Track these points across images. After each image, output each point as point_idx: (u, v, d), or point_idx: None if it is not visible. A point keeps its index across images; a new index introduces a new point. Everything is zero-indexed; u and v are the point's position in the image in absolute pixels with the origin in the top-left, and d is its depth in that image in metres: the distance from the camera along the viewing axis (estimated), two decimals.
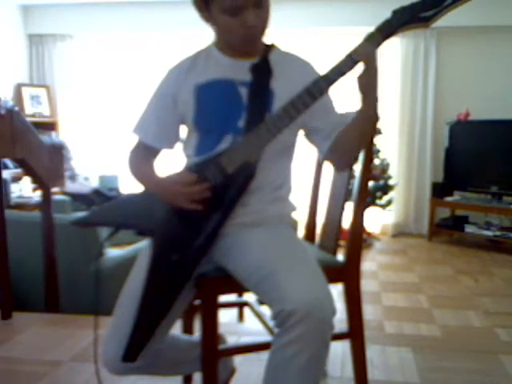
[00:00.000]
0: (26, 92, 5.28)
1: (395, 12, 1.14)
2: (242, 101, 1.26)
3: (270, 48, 1.32)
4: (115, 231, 1.30)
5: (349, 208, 1.54)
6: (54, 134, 5.35)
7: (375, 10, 4.53)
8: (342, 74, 1.14)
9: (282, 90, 1.26)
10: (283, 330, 1.05)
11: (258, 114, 1.24)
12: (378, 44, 1.14)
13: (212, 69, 1.29)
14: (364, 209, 1.52)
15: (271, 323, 1.64)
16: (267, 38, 1.32)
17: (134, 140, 1.39)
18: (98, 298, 1.39)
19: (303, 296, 1.04)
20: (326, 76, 1.15)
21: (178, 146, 1.40)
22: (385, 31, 1.14)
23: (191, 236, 1.23)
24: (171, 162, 1.47)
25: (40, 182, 2.47)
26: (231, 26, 1.19)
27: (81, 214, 1.36)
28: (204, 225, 1.23)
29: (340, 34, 4.99)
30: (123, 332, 1.22)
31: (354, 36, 4.89)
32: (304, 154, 1.62)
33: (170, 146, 1.38)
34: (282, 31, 4.69)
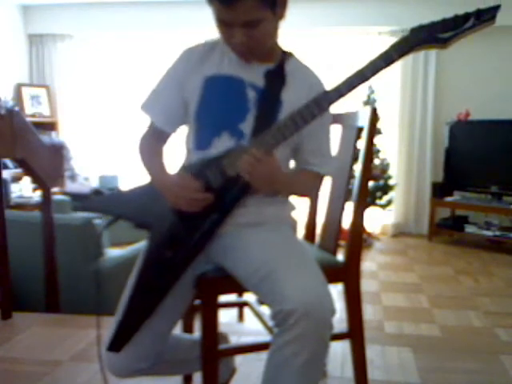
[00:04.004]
0: (26, 92, 5.28)
1: (413, 30, 1.13)
2: (247, 103, 1.26)
3: (287, 56, 1.32)
4: (114, 221, 1.31)
5: (349, 208, 1.54)
6: (53, 133, 5.35)
7: (383, 10, 4.54)
8: (352, 88, 1.15)
9: (291, 102, 1.26)
10: (282, 329, 1.05)
11: (265, 122, 1.23)
12: (393, 62, 1.13)
13: (225, 63, 1.28)
14: (364, 209, 1.52)
15: (271, 323, 1.64)
16: (282, 44, 1.31)
17: (146, 123, 1.37)
18: (99, 297, 1.39)
19: (302, 296, 1.04)
20: (337, 89, 1.15)
21: (179, 137, 1.39)
22: (401, 49, 1.12)
23: (187, 233, 1.24)
24: (173, 155, 1.46)
25: (40, 182, 2.47)
26: (222, 34, 1.20)
27: (83, 201, 1.38)
28: (201, 224, 1.23)
29: (347, 34, 5.00)
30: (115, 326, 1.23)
31: (362, 36, 4.90)
32: None
33: (175, 129, 1.37)
34: (288, 32, 4.69)
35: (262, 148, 1.17)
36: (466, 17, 1.10)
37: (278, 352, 1.06)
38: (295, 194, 1.37)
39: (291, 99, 1.26)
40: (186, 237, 1.23)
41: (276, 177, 1.20)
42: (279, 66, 1.29)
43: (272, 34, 1.23)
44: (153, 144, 1.37)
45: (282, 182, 1.25)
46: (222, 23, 1.16)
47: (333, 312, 1.08)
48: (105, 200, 1.37)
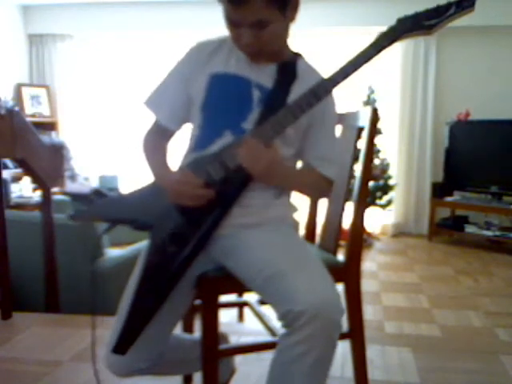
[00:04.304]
0: (26, 92, 5.28)
1: (399, 20, 1.18)
2: (251, 103, 1.25)
3: (297, 56, 1.32)
4: (112, 226, 1.30)
5: (349, 208, 1.54)
6: (53, 133, 5.35)
7: (383, 10, 4.55)
8: (347, 76, 1.17)
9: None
10: (291, 330, 1.04)
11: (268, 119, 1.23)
12: (383, 48, 1.17)
13: (232, 62, 1.28)
14: (364, 209, 1.52)
15: (271, 323, 1.64)
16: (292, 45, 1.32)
17: (151, 120, 1.37)
18: (95, 298, 1.39)
19: (312, 297, 1.04)
20: (332, 78, 1.17)
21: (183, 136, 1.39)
22: (389, 37, 1.17)
23: (190, 229, 1.23)
24: (176, 153, 1.46)
25: (40, 182, 2.47)
26: (231, 33, 1.20)
27: (78, 209, 1.37)
28: (203, 219, 1.23)
29: (349, 33, 5.02)
30: (120, 328, 1.23)
31: (363, 36, 4.90)
32: None
33: (180, 126, 1.36)
34: (293, 31, 4.69)
35: (261, 139, 1.17)
36: (447, 5, 1.17)
37: (286, 352, 1.06)
38: (298, 189, 1.37)
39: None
40: (189, 233, 1.23)
41: (276, 168, 1.20)
42: (292, 64, 1.29)
43: (281, 36, 1.23)
44: (157, 141, 1.36)
45: (283, 175, 1.26)
46: (231, 23, 1.16)
47: (342, 312, 1.08)
48: (100, 207, 1.36)
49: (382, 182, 4.65)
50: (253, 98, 1.26)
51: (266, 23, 1.14)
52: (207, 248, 1.27)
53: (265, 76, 1.27)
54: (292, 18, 1.21)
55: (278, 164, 1.21)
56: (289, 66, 1.29)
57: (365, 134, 1.49)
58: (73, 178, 4.68)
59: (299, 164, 1.39)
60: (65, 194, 4.24)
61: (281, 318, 1.07)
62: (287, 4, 1.16)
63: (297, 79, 1.28)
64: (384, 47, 1.17)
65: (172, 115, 1.34)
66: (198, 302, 1.39)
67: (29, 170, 2.40)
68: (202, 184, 1.21)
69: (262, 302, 1.83)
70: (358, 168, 1.51)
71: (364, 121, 1.50)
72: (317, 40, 5.03)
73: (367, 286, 3.27)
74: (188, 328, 1.70)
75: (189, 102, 1.31)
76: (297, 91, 1.26)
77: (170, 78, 1.34)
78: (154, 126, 1.37)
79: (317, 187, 1.38)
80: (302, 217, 1.75)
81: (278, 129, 1.18)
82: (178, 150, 1.42)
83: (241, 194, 1.24)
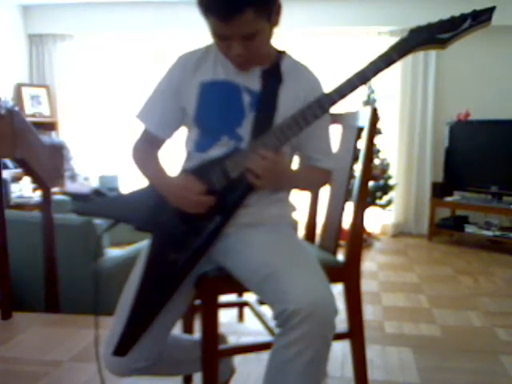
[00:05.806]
0: (26, 92, 5.28)
1: (412, 31, 1.15)
2: (242, 108, 1.26)
3: (281, 55, 1.32)
4: (114, 224, 1.30)
5: (349, 208, 1.54)
6: (53, 134, 5.35)
7: (383, 10, 4.54)
8: (354, 88, 1.16)
9: (287, 100, 1.26)
10: (285, 329, 1.05)
11: (263, 124, 1.24)
12: (393, 62, 1.14)
13: (219, 68, 1.28)
14: (364, 209, 1.52)
15: (271, 323, 1.64)
16: (278, 43, 1.31)
17: (140, 129, 1.37)
18: (98, 297, 1.39)
19: (306, 296, 1.04)
20: (338, 90, 1.16)
21: (177, 139, 1.39)
22: (401, 50, 1.14)
23: (191, 236, 1.24)
24: (172, 157, 1.46)
25: (40, 182, 2.47)
26: (219, 46, 1.20)
27: (82, 203, 1.37)
28: (205, 226, 1.23)
29: (347, 34, 5.00)
30: (120, 331, 1.23)
31: (362, 36, 4.90)
32: None
33: (170, 135, 1.37)
34: (288, 31, 4.69)
35: (267, 148, 1.17)
36: (463, 18, 1.13)
37: (281, 352, 1.06)
38: (300, 188, 1.39)
39: (288, 97, 1.27)
40: (190, 239, 1.23)
41: (284, 175, 1.23)
42: (275, 65, 1.29)
43: (268, 42, 1.24)
44: (147, 149, 1.37)
45: (288, 180, 1.29)
46: (220, 37, 1.16)
47: (336, 312, 1.09)
48: (104, 203, 1.36)
49: (382, 181, 4.65)
50: (243, 103, 1.26)
51: (255, 34, 1.13)
52: (209, 249, 1.27)
53: (252, 80, 1.27)
54: (276, 23, 1.21)
55: (286, 171, 1.24)
56: (272, 68, 1.29)
57: (365, 134, 1.49)
58: (73, 177, 4.68)
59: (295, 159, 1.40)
60: (65, 193, 4.24)
61: (276, 317, 1.07)
62: (272, 12, 1.16)
63: (283, 80, 1.28)
64: (394, 61, 1.14)
65: (163, 124, 1.34)
66: (198, 301, 1.39)
67: (29, 170, 2.40)
68: (203, 190, 1.21)
69: (261, 302, 1.83)
70: (358, 168, 1.51)
71: (364, 121, 1.50)
72: (317, 40, 5.02)
73: (367, 286, 3.27)
74: (188, 328, 1.70)
75: (179, 110, 1.32)
76: (285, 93, 1.26)
77: (158, 88, 1.33)
78: (143, 136, 1.37)
79: (318, 182, 1.41)
80: (301, 217, 1.75)
81: (283, 139, 1.19)
82: (171, 153, 1.42)
83: (242, 202, 1.24)
